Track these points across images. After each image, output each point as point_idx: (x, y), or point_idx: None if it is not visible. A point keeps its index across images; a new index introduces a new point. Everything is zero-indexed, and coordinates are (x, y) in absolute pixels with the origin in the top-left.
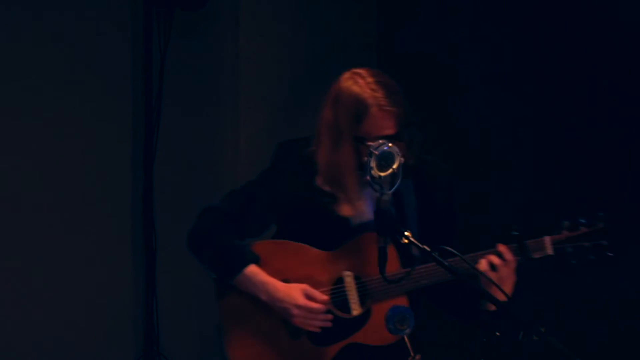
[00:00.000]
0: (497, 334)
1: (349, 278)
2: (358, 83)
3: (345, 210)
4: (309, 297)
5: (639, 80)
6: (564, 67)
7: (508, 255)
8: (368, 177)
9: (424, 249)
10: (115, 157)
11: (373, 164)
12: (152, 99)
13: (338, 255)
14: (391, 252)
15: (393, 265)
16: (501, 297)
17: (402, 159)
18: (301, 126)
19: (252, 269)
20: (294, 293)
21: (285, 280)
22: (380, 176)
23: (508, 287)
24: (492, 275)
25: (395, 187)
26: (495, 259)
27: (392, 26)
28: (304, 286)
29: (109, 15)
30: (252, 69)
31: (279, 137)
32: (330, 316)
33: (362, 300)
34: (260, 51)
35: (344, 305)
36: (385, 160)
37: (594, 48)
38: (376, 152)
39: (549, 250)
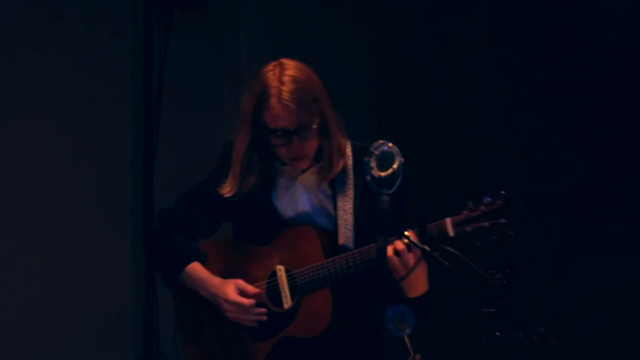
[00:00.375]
0: (497, 334)
1: (280, 272)
2: (274, 72)
3: (224, 189)
4: (241, 292)
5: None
6: (561, 68)
7: (412, 239)
8: (368, 177)
9: (424, 248)
10: (115, 157)
11: (373, 164)
12: (152, 99)
13: (272, 249)
14: (314, 243)
15: (317, 257)
16: (417, 288)
17: (402, 159)
18: None
19: (193, 266)
20: (227, 288)
21: (227, 277)
22: (380, 176)
23: (420, 276)
24: (395, 261)
25: (395, 187)
26: (399, 245)
27: (392, 27)
28: (238, 281)
29: (109, 15)
30: (251, 69)
31: None
32: (264, 310)
33: (293, 294)
34: (260, 51)
35: (278, 299)
36: (385, 160)
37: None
38: (376, 152)
39: (450, 232)
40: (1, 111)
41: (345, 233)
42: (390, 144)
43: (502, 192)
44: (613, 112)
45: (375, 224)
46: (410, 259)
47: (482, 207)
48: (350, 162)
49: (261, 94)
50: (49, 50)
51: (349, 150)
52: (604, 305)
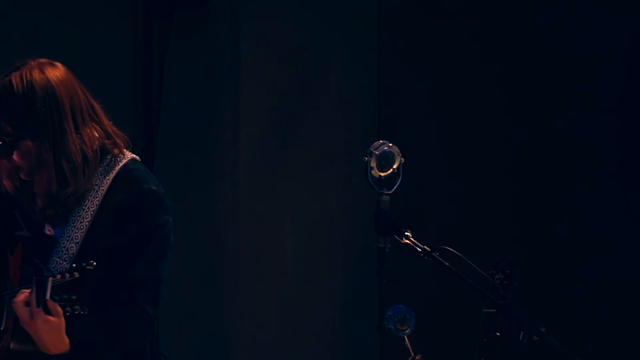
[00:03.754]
0: (497, 334)
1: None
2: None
3: None
4: None
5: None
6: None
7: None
8: (369, 177)
9: (425, 248)
10: None
11: (373, 164)
12: (152, 99)
13: (12, 262)
14: (17, 264)
15: (16, 279)
16: (41, 345)
17: (403, 159)
18: (302, 126)
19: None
20: None
21: None
22: (380, 176)
23: (45, 337)
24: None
25: (395, 187)
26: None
27: (392, 27)
28: None
29: (109, 15)
30: (252, 68)
31: (279, 137)
32: None
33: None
34: (260, 51)
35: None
36: (385, 160)
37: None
38: (376, 152)
39: (48, 294)
40: None
41: (56, 262)
42: (390, 144)
43: (74, 264)
44: (610, 113)
45: (375, 224)
46: (32, 314)
47: (59, 276)
48: (106, 183)
49: None
50: (48, 50)
51: (115, 170)
52: (604, 304)
